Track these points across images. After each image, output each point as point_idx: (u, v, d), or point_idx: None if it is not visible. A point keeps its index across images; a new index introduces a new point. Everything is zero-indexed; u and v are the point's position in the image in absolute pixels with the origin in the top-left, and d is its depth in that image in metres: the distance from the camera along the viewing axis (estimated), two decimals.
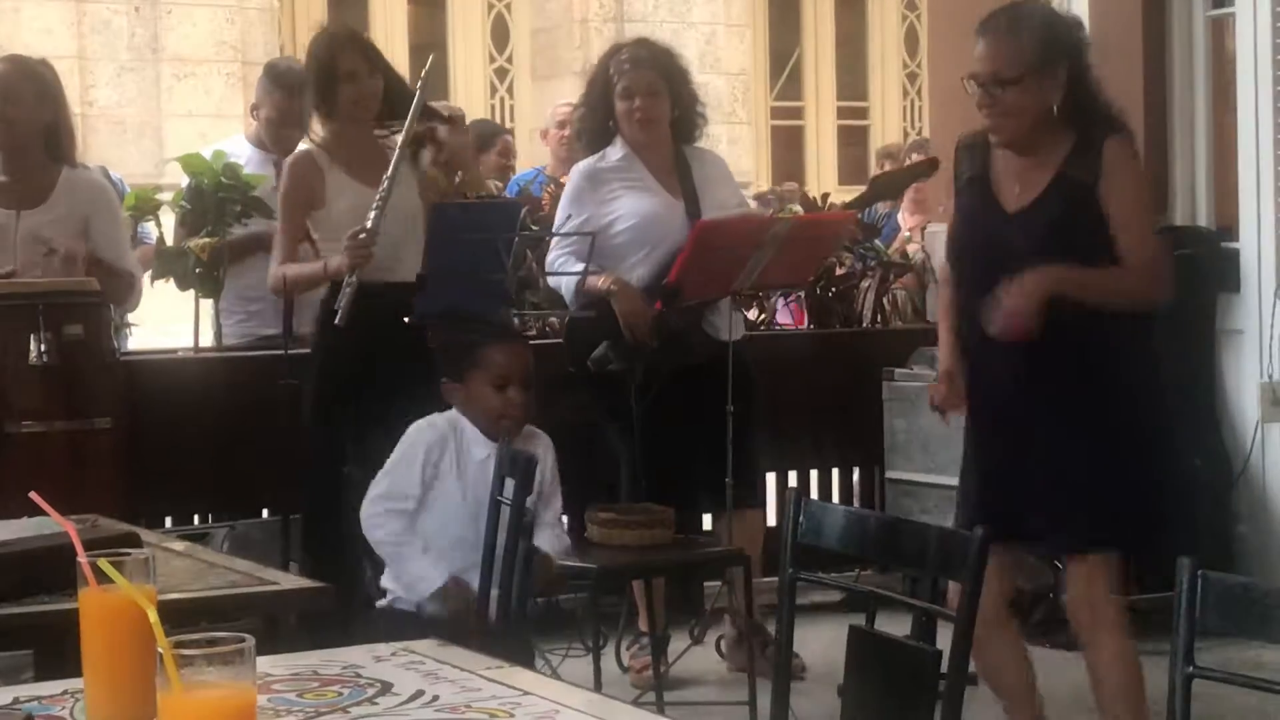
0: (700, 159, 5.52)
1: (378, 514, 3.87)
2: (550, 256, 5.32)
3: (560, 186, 6.35)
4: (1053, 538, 4.05)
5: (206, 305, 6.04)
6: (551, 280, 5.36)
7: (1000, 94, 3.87)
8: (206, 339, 6.13)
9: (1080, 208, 3.86)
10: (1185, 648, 2.14)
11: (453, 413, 3.99)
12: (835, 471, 6.79)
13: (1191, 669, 2.13)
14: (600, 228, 5.27)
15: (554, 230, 5.40)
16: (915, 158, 8.27)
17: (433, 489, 3.88)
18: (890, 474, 6.35)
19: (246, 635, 1.68)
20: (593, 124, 5.45)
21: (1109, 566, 4.01)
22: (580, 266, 5.17)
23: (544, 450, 3.97)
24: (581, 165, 5.47)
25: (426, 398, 4.81)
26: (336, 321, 4.88)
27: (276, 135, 6.27)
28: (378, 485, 3.91)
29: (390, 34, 15.43)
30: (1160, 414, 4.12)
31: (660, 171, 5.41)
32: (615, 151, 5.40)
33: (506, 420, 3.93)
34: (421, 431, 3.94)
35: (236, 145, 6.39)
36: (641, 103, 5.32)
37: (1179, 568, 2.13)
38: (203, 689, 1.65)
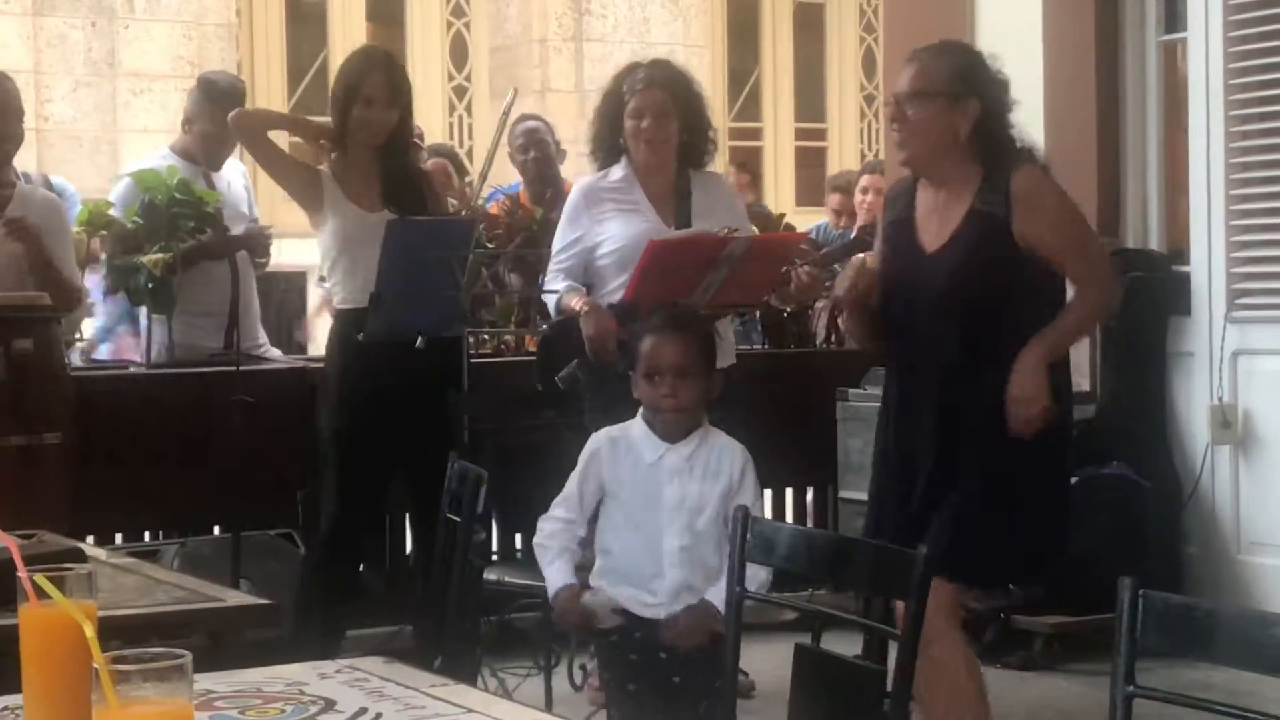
0: (704, 184, 5.43)
1: (545, 517, 3.82)
2: (548, 274, 5.32)
3: (515, 203, 6.33)
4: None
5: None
6: (545, 297, 5.35)
7: (910, 111, 3.93)
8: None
9: (992, 243, 3.89)
10: (1126, 667, 2.15)
11: (625, 423, 3.88)
12: (789, 491, 6.80)
13: (1132, 688, 2.14)
14: (590, 247, 5.25)
15: (555, 248, 5.36)
16: (867, 180, 8.31)
17: (602, 502, 3.79)
18: (844, 494, 6.36)
19: (184, 651, 1.67)
20: (602, 140, 5.39)
21: (951, 595, 3.82)
22: (564, 285, 5.16)
23: (732, 462, 3.84)
24: (582, 182, 5.43)
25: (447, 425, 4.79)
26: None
27: (212, 150, 6.24)
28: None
29: (349, 51, 15.38)
30: (1063, 484, 4.09)
31: (658, 195, 5.35)
32: (617, 171, 5.32)
33: (661, 412, 3.79)
34: (586, 447, 3.86)
35: (163, 158, 6.34)
36: (649, 123, 5.27)
37: (1120, 587, 2.14)
38: (139, 704, 1.64)
